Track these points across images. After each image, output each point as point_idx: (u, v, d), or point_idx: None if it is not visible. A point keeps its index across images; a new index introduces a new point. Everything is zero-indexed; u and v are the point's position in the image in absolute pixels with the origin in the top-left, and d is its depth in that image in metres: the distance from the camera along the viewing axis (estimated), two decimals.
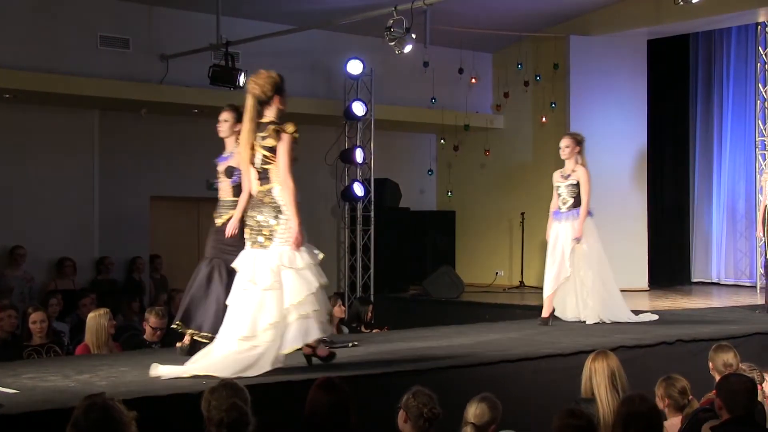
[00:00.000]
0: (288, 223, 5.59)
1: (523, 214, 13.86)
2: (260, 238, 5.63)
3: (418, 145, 14.97)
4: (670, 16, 12.44)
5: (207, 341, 6.06)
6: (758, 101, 13.28)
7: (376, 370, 5.90)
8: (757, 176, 13.15)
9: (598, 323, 8.42)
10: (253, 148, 5.65)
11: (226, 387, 4.11)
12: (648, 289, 13.50)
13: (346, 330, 9.18)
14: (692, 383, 5.30)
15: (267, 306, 5.48)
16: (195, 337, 6.36)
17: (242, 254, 5.70)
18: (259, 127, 5.67)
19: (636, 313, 8.95)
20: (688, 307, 11.16)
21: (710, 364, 5.74)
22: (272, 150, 5.62)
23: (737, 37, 14.19)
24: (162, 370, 5.48)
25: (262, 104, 5.75)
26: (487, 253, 14.58)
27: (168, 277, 12.22)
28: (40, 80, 10.59)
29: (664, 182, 14.80)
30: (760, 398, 4.98)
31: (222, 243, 6.49)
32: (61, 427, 3.49)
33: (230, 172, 6.62)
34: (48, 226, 11.26)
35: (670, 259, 14.63)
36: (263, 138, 5.64)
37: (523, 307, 11.31)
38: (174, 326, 6.53)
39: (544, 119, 13.86)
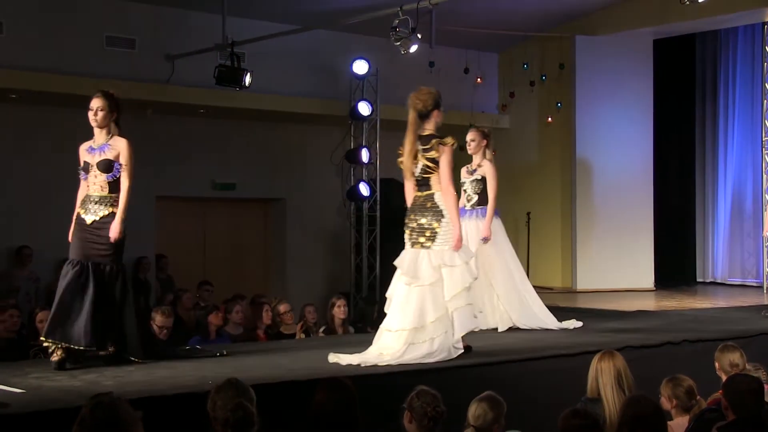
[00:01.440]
0: (448, 226, 6.24)
1: (528, 213, 13.85)
2: (422, 239, 6.29)
3: None
4: (676, 16, 12.42)
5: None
6: (765, 101, 13.25)
7: (381, 369, 5.90)
8: (764, 176, 13.14)
9: (512, 329, 7.79)
10: (415, 158, 6.31)
11: (232, 386, 4.12)
12: (654, 289, 13.48)
13: (352, 330, 9.19)
14: (698, 383, 5.29)
15: (432, 300, 6.14)
16: (71, 347, 5.93)
17: (403, 253, 6.35)
18: (420, 139, 6.33)
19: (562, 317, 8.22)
20: (694, 307, 11.14)
21: (716, 365, 5.73)
22: (434, 160, 6.26)
23: (743, 37, 14.16)
24: (340, 358, 6.08)
25: (422, 118, 6.43)
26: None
27: (174, 276, 12.24)
28: (46, 80, 10.61)
29: (670, 182, 14.78)
30: (766, 398, 4.96)
31: (94, 243, 6.19)
32: (68, 426, 3.50)
33: (108, 165, 6.32)
34: (54, 226, 11.25)
35: (676, 259, 14.61)
36: (426, 150, 6.31)
37: None
38: (45, 344, 5.98)
39: (549, 119, 13.84)
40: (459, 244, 6.22)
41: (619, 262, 13.49)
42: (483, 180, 8.02)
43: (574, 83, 13.61)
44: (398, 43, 9.40)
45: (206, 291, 10.74)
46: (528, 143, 14.45)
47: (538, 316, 7.98)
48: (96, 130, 6.46)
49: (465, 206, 8.01)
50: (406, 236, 6.39)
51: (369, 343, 6.77)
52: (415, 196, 6.40)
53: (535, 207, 13.95)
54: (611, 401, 5.02)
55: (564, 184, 13.88)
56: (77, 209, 6.27)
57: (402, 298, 6.21)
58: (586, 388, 5.20)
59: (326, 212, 13.44)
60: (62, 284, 6.07)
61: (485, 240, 7.84)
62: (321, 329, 9.03)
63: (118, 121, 6.39)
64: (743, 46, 14.20)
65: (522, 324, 7.89)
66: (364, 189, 12.86)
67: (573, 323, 8.14)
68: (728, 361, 5.64)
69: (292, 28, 11.55)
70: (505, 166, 14.52)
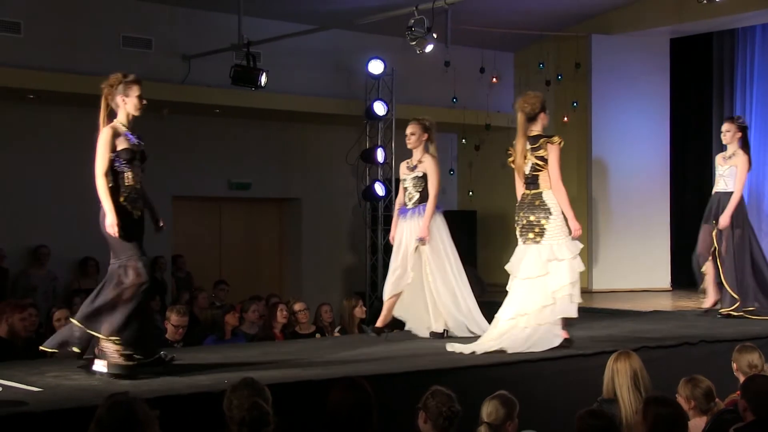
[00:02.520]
0: (555, 222, 6.62)
1: None
2: (531, 235, 6.69)
3: (439, 144, 14.76)
4: (693, 15, 12.36)
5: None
6: None
7: (397, 369, 5.91)
8: None
9: (446, 336, 7.43)
10: (525, 158, 6.68)
11: (248, 386, 4.12)
12: (671, 289, 13.43)
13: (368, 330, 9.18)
14: (715, 384, 5.27)
15: (540, 291, 6.59)
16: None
17: (517, 249, 6.80)
18: (529, 139, 6.71)
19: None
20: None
21: (734, 365, 5.70)
22: (543, 159, 6.65)
23: (762, 36, 14.06)
24: (455, 347, 6.60)
25: (529, 120, 6.77)
26: (509, 253, 14.41)
27: (191, 276, 12.28)
28: (63, 81, 10.66)
29: (687, 182, 14.70)
30: None
31: None
32: (85, 425, 3.51)
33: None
34: (71, 226, 11.33)
35: (691, 261, 14.51)
36: (535, 149, 6.68)
37: None
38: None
39: (565, 119, 13.80)
40: (578, 233, 6.66)
41: (635, 262, 13.44)
42: (424, 177, 7.47)
43: (590, 83, 13.56)
44: (414, 43, 9.39)
45: (222, 290, 10.78)
46: None
47: (478, 323, 7.44)
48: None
49: (406, 205, 7.56)
50: (517, 233, 6.82)
51: (386, 342, 6.81)
52: (524, 194, 6.78)
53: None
54: (627, 402, 5.01)
55: (580, 184, 13.83)
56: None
57: (513, 290, 6.80)
58: (602, 389, 5.19)
59: (341, 212, 13.45)
60: None
61: (422, 241, 7.33)
62: (337, 329, 9.04)
63: None
64: (761, 44, 14.10)
65: (458, 331, 7.41)
66: (379, 188, 12.86)
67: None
68: (747, 362, 5.60)
69: (308, 28, 11.57)
70: None
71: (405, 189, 7.59)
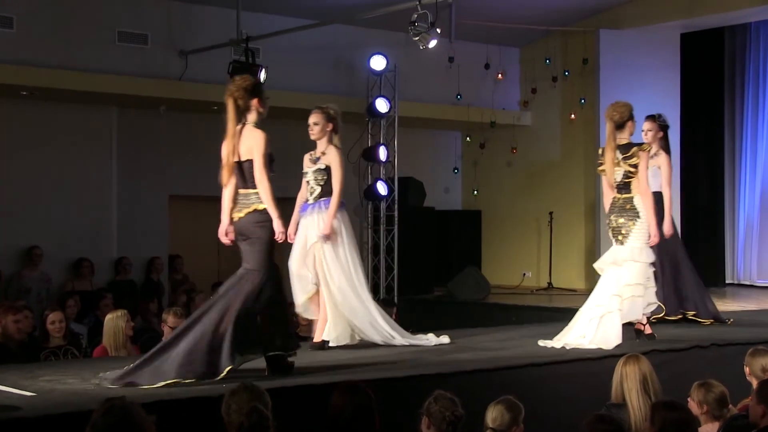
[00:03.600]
0: (642, 225, 7.07)
1: (551, 213, 13.81)
2: (619, 237, 7.15)
3: (443, 142, 14.96)
4: (704, 9, 12.36)
5: None
6: None
7: (399, 373, 5.91)
8: None
9: (347, 345, 7.11)
10: (616, 165, 7.10)
11: (247, 390, 4.13)
12: None
13: None
14: (727, 388, 5.26)
15: (614, 285, 7.05)
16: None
17: (609, 249, 7.27)
18: (619, 147, 7.11)
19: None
20: (722, 309, 11.02)
21: (746, 369, 5.69)
22: (635, 166, 7.06)
23: None
24: (547, 342, 7.07)
25: (618, 128, 7.15)
26: (514, 254, 14.55)
27: (188, 278, 12.28)
28: (58, 77, 10.67)
29: (698, 181, 14.68)
30: None
31: None
32: (80, 430, 3.52)
33: None
34: (65, 226, 11.34)
35: (703, 260, 14.49)
36: (627, 157, 7.09)
37: (551, 309, 11.28)
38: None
39: (573, 116, 13.80)
40: (655, 240, 7.08)
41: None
42: (327, 170, 7.15)
43: (598, 79, 13.54)
44: (417, 38, 9.39)
45: None
46: (550, 141, 14.41)
47: (384, 327, 7.14)
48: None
49: (307, 200, 7.20)
50: (610, 234, 7.30)
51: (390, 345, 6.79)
52: (614, 198, 7.20)
53: (558, 207, 13.89)
54: (636, 407, 5.00)
55: (588, 183, 13.83)
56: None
57: (600, 284, 7.24)
58: (611, 393, 5.18)
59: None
60: None
61: (326, 238, 6.95)
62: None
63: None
64: None
65: (366, 336, 7.11)
66: (381, 188, 12.86)
67: (432, 339, 7.32)
68: (760, 366, 5.59)
69: (308, 23, 11.57)
70: (526, 164, 14.56)
71: (307, 183, 7.28)
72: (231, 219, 5.86)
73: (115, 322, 7.35)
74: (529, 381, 6.09)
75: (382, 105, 12.66)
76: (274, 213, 5.73)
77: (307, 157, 7.36)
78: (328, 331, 7.08)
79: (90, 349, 7.86)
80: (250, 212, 5.81)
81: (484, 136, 14.17)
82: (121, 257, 11.68)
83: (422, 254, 13.44)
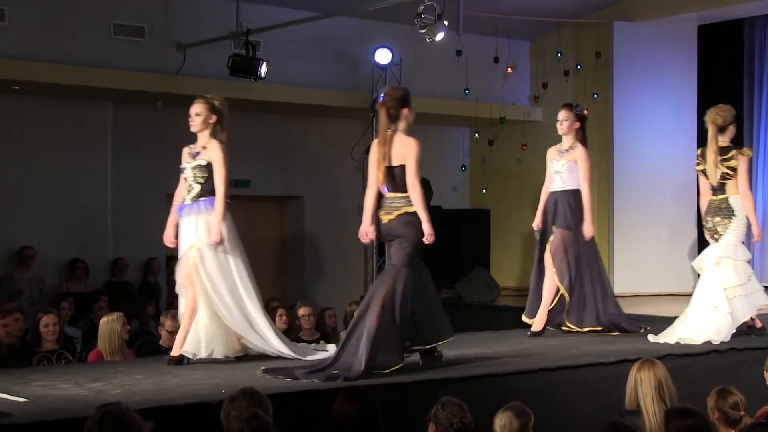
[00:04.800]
0: (737, 224, 7.58)
1: None
2: (716, 236, 7.66)
3: (451, 139, 14.96)
4: (722, 0, 12.33)
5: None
6: None
7: (405, 378, 5.91)
8: None
9: (240, 358, 6.79)
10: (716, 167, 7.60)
11: (247, 396, 4.14)
12: None
13: None
14: (746, 394, 5.25)
15: (716, 283, 7.54)
16: None
17: (708, 247, 7.76)
18: (720, 150, 7.61)
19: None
20: None
21: (766, 375, 5.69)
22: (733, 169, 7.56)
23: None
24: (657, 338, 7.59)
25: (720, 131, 7.68)
26: (523, 254, 14.53)
27: None
28: (50, 71, 10.67)
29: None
30: None
31: None
32: None
33: None
34: (59, 225, 11.36)
35: None
36: (726, 159, 7.60)
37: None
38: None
39: (585, 111, 13.77)
40: (758, 239, 7.66)
41: (660, 264, 13.41)
42: (208, 166, 6.76)
43: (611, 73, 13.53)
44: (423, 31, 9.39)
45: None
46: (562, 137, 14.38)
47: (269, 339, 6.78)
48: None
49: (185, 200, 6.80)
50: (706, 235, 7.81)
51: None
52: (711, 200, 7.71)
53: None
54: (651, 413, 5.00)
55: (600, 181, 13.80)
56: None
57: (700, 283, 7.72)
58: (624, 399, 5.18)
59: (346, 210, 13.45)
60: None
61: (216, 244, 6.61)
62: (342, 334, 9.05)
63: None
64: None
65: (256, 347, 6.77)
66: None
67: (321, 350, 7.13)
68: None
69: (311, 15, 11.58)
70: (537, 162, 14.53)
71: (185, 180, 6.84)
72: (373, 220, 6.37)
73: (110, 325, 7.37)
74: (539, 386, 6.09)
75: None
76: (424, 216, 6.30)
77: (186, 151, 6.94)
78: (189, 343, 6.60)
79: (84, 354, 7.89)
80: (400, 214, 6.33)
81: (493, 133, 14.16)
82: (117, 258, 11.70)
83: (429, 255, 13.33)
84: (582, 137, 8.49)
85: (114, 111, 11.86)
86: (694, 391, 5.45)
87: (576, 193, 8.18)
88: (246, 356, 6.80)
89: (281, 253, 13.79)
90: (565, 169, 8.34)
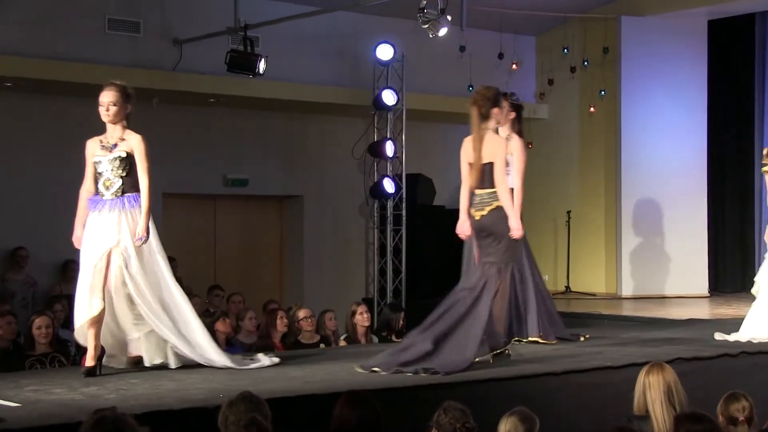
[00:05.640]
0: None
1: (569, 212, 13.81)
2: None
3: (454, 137, 14.77)
4: None
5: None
6: None
7: (407, 382, 5.92)
8: None
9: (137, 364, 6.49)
10: None
11: (245, 400, 4.14)
12: (708, 295, 13.41)
13: (375, 339, 9.20)
14: (757, 400, 5.25)
15: None
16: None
17: None
18: None
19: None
20: None
21: None
22: None
23: None
24: (726, 337, 7.81)
25: None
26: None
27: (182, 280, 12.28)
28: (43, 67, 10.68)
29: (726, 178, 14.66)
30: None
31: None
32: None
33: None
34: (52, 226, 11.34)
35: (733, 262, 14.50)
36: None
37: (569, 314, 11.24)
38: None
39: (592, 109, 13.79)
40: None
41: (669, 266, 13.42)
42: (129, 158, 6.42)
43: (619, 69, 13.54)
44: (426, 26, 9.39)
45: (217, 296, 10.79)
46: (568, 135, 14.40)
47: (201, 346, 6.47)
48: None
49: (101, 195, 6.40)
50: None
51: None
52: None
53: (576, 205, 13.89)
54: (660, 419, 5.00)
55: (608, 180, 13.82)
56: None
57: None
58: (633, 404, 5.18)
59: (347, 211, 13.46)
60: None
61: (142, 240, 6.30)
62: (342, 338, 9.06)
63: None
64: None
65: (185, 355, 6.45)
66: (388, 185, 12.87)
67: (261, 360, 6.76)
68: None
69: (311, 10, 11.58)
70: (543, 160, 14.54)
71: (99, 174, 6.44)
72: (468, 216, 6.74)
73: None
74: (545, 391, 6.09)
75: (389, 97, 12.66)
76: (512, 212, 6.66)
77: (95, 145, 6.54)
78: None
79: (78, 357, 7.87)
80: (492, 209, 6.69)
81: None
82: None
83: (432, 256, 13.42)
84: (518, 129, 8.09)
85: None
86: (705, 395, 5.45)
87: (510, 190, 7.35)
88: (140, 363, 6.44)
89: (280, 254, 13.79)
90: None
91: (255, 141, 12.86)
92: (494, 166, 6.65)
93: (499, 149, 6.71)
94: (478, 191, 6.72)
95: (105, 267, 6.21)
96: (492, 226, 6.68)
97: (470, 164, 6.73)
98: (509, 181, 7.28)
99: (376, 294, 12.99)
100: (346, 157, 13.09)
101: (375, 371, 6.28)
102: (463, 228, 6.76)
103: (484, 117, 6.79)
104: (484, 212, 6.70)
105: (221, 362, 6.47)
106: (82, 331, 6.25)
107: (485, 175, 6.67)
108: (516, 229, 6.65)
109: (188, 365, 6.43)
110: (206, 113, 12.51)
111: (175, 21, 11.77)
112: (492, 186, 6.66)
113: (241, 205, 13.40)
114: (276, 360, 6.80)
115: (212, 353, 6.49)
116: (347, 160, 13.14)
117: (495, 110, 6.81)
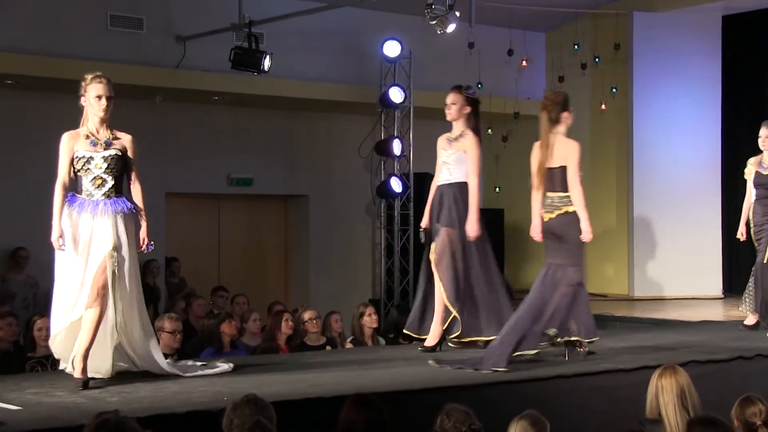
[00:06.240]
0: None
1: None
2: None
3: None
4: None
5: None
6: None
7: (415, 385, 5.91)
8: None
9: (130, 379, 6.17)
10: None
11: (250, 403, 4.14)
12: (723, 297, 13.37)
13: (382, 341, 9.19)
14: None
15: None
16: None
17: None
18: None
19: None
20: None
21: None
22: None
23: None
24: None
25: None
26: (538, 256, 14.33)
27: (186, 281, 12.31)
28: (44, 65, 10.70)
29: (741, 176, 14.61)
30: None
31: None
32: None
33: None
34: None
35: (748, 262, 14.42)
36: None
37: None
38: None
39: (603, 106, 13.77)
40: None
41: (682, 267, 13.39)
42: (123, 157, 6.30)
43: (631, 66, 13.52)
44: (434, 22, 9.39)
45: (221, 297, 10.81)
46: (579, 133, 14.20)
47: (151, 354, 6.20)
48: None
49: (88, 195, 6.15)
50: None
51: (403, 355, 6.73)
52: None
53: (588, 204, 13.80)
54: (674, 423, 4.99)
55: (620, 179, 13.80)
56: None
57: None
58: (645, 408, 5.17)
59: (353, 210, 13.46)
60: None
61: (152, 247, 6.32)
62: (348, 340, 9.06)
63: None
64: None
65: (143, 366, 6.22)
66: (395, 184, 12.87)
67: (218, 367, 6.49)
68: None
69: (316, 6, 11.58)
70: None
71: (87, 171, 6.18)
72: (541, 220, 7.01)
73: None
74: (555, 394, 6.08)
75: (396, 95, 12.66)
76: (584, 215, 6.91)
77: (78, 139, 6.34)
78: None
79: None
80: (561, 214, 6.95)
81: (506, 129, 14.15)
82: None
83: None
84: (474, 124, 7.77)
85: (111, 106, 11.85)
86: (719, 399, 5.43)
87: (463, 186, 7.50)
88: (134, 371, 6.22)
89: (285, 254, 13.80)
90: (452, 159, 7.66)
91: (259, 139, 12.87)
92: (567, 169, 6.90)
93: (572, 153, 6.96)
94: (549, 194, 6.99)
95: (101, 273, 5.96)
96: (558, 229, 6.94)
97: (538, 168, 7.01)
98: (464, 177, 7.67)
99: (383, 295, 12.99)
100: (352, 155, 13.09)
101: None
102: (536, 231, 7.03)
103: (554, 121, 7.04)
104: (553, 215, 6.97)
105: (159, 369, 6.17)
106: (61, 338, 6.01)
107: (555, 178, 6.94)
108: (587, 232, 6.88)
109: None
110: (210, 111, 12.52)
111: (178, 17, 11.78)
112: (564, 190, 6.92)
113: (245, 205, 13.41)
114: (228, 367, 6.46)
115: (162, 362, 6.22)
116: (353, 159, 13.14)
117: (564, 114, 7.07)
